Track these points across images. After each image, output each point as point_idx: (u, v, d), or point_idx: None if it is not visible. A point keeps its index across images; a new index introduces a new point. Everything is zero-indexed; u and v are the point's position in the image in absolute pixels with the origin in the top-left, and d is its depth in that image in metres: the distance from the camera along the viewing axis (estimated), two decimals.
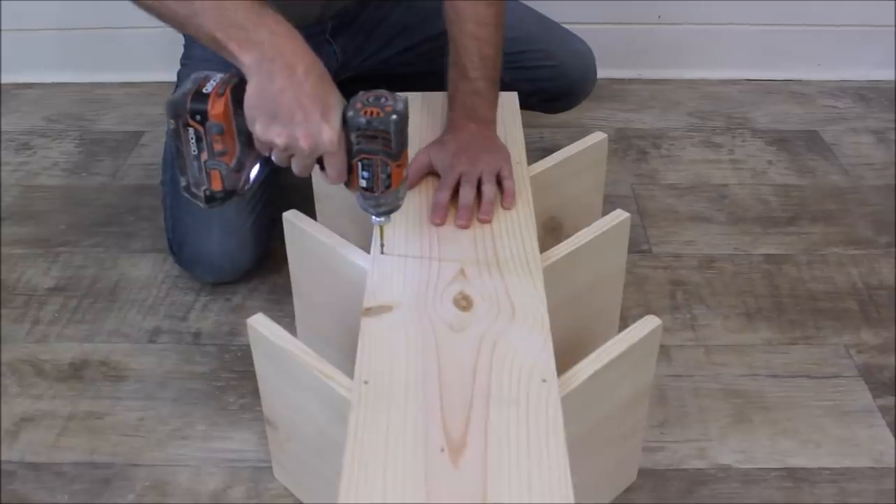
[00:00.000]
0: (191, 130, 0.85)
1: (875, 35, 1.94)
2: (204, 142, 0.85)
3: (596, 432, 0.91)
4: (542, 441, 0.72)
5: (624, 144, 1.74)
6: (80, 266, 1.42)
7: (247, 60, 0.85)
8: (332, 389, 0.81)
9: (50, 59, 1.98)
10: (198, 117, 0.84)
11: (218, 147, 0.86)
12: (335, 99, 0.86)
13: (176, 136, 0.86)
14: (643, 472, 1.06)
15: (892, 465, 1.07)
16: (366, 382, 0.78)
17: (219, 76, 0.85)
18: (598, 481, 0.97)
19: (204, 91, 0.84)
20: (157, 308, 1.33)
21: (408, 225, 1.00)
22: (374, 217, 0.93)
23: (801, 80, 1.97)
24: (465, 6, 1.09)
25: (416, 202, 1.04)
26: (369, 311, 0.87)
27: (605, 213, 1.07)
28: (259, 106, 0.85)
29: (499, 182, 1.05)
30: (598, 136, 1.21)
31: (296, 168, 0.89)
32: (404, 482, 0.69)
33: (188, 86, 0.85)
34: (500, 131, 1.16)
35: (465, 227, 0.99)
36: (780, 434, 1.11)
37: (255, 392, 1.00)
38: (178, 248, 1.33)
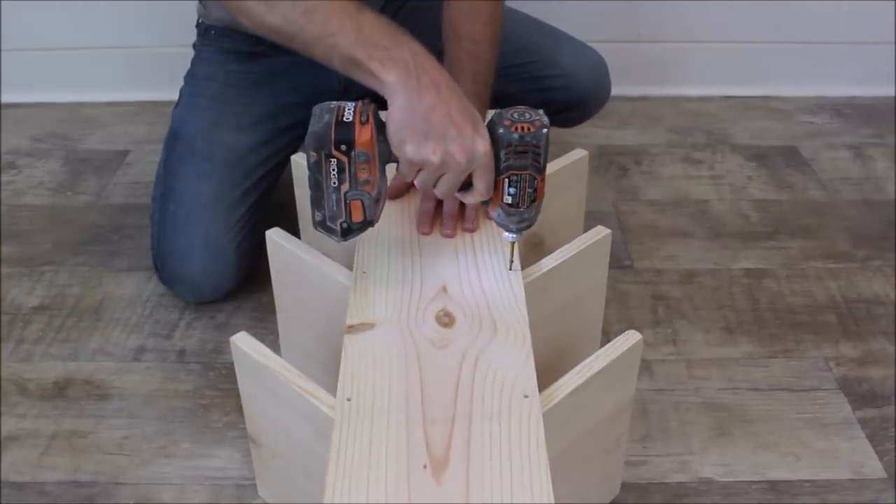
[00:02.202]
0: (333, 161, 0.84)
1: (852, 52, 1.97)
2: (347, 172, 0.84)
3: (578, 447, 0.91)
4: (524, 456, 0.73)
5: (605, 161, 1.76)
6: (64, 285, 1.42)
7: (391, 79, 0.85)
8: (315, 407, 0.82)
9: (35, 78, 1.98)
10: (343, 147, 0.83)
11: (363, 176, 0.84)
12: (479, 116, 0.87)
13: (317, 169, 0.84)
14: (626, 486, 1.06)
15: (872, 477, 1.08)
16: (348, 399, 0.79)
17: (351, 104, 0.84)
18: (582, 496, 0.98)
19: (345, 119, 0.83)
20: (142, 326, 1.33)
21: (390, 241, 1.01)
22: (511, 234, 0.92)
23: (779, 97, 2.00)
24: (462, 25, 1.10)
25: (397, 218, 1.05)
26: (352, 329, 0.88)
27: (586, 230, 1.08)
28: (409, 126, 0.84)
29: None
30: (579, 153, 1.22)
31: (443, 187, 0.87)
32: (387, 499, 0.70)
33: (325, 117, 0.83)
34: None
35: (451, 235, 1.00)
36: (761, 447, 1.12)
37: (240, 410, 1.00)
38: (161, 265, 1.33)
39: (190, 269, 1.29)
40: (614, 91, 1.98)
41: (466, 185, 0.89)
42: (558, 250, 1.03)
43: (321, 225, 0.89)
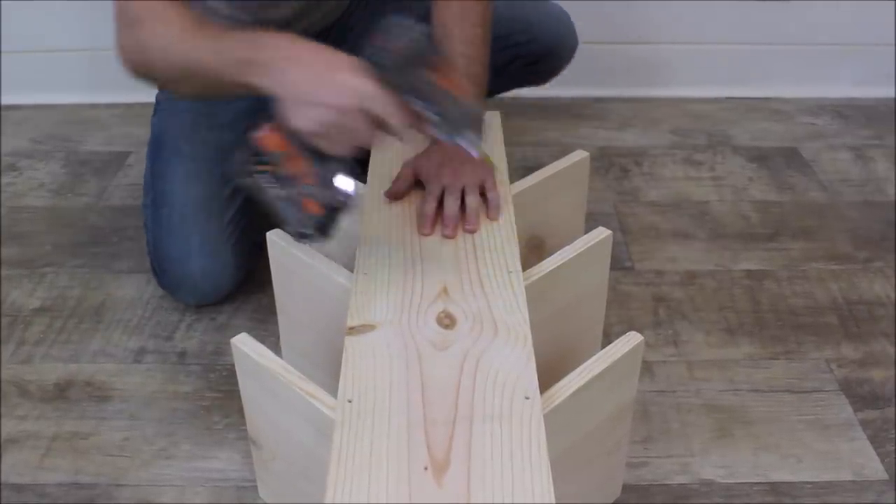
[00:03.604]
0: (263, 176, 0.86)
1: (853, 53, 1.97)
2: (280, 177, 0.86)
3: (579, 449, 0.91)
4: (525, 458, 0.73)
5: (606, 162, 1.76)
6: (65, 286, 1.42)
7: (266, 83, 0.87)
8: (316, 408, 0.82)
9: (35, 80, 1.98)
10: (262, 159, 0.86)
11: (291, 171, 0.86)
12: (344, 56, 0.86)
13: (258, 192, 0.87)
14: (627, 488, 1.06)
15: (873, 479, 1.08)
16: (349, 401, 0.79)
17: (264, 126, 0.87)
18: (583, 497, 0.98)
19: (251, 139, 0.86)
20: (143, 328, 1.33)
21: (390, 243, 1.01)
22: (470, 146, 0.86)
23: (780, 98, 2.00)
24: (453, 27, 1.11)
25: (398, 220, 1.05)
26: (353, 330, 0.88)
27: (587, 231, 1.08)
28: (291, 104, 0.85)
29: (483, 194, 1.07)
30: (579, 155, 1.22)
31: (361, 139, 0.86)
32: (388, 500, 0.69)
33: (237, 153, 0.87)
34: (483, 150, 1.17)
35: (452, 236, 1.01)
36: (762, 448, 1.12)
37: (241, 411, 1.00)
38: (161, 272, 1.33)
39: (190, 271, 1.29)
40: (616, 92, 2.00)
41: (387, 130, 0.86)
42: (559, 252, 1.03)
43: (299, 237, 0.90)
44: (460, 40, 1.11)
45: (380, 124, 0.85)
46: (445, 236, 1.01)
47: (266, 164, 0.85)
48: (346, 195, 0.88)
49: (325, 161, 0.87)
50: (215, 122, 1.33)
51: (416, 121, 0.85)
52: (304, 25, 1.28)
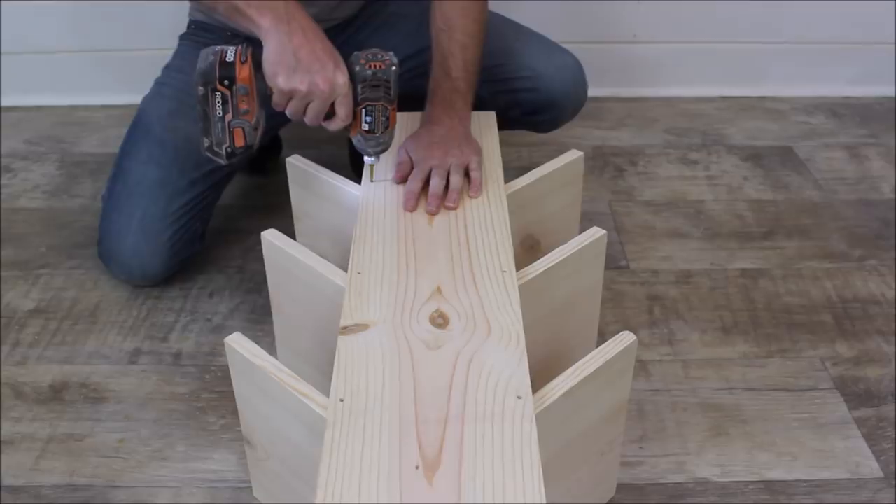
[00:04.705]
0: (218, 95, 0.99)
1: (847, 53, 1.98)
2: (230, 104, 0.99)
3: (573, 448, 0.91)
4: (516, 458, 0.73)
5: (601, 162, 1.76)
6: (60, 288, 1.42)
7: (265, 23, 1.01)
8: (309, 408, 0.82)
9: (31, 81, 1.98)
10: (226, 82, 0.98)
11: (244, 107, 1.00)
12: (339, 55, 1.03)
13: (204, 102, 0.99)
14: (622, 487, 1.06)
15: (868, 477, 1.08)
16: (341, 400, 0.79)
17: (233, 48, 0.99)
18: (576, 497, 0.98)
19: (227, 60, 0.98)
20: (138, 329, 1.33)
21: (385, 243, 1.01)
22: (370, 158, 1.09)
23: (775, 97, 2.00)
24: (456, 20, 1.19)
25: (392, 221, 1.05)
26: (346, 330, 0.88)
27: (582, 230, 1.08)
28: (280, 61, 1.00)
29: (468, 174, 1.11)
30: (574, 154, 1.22)
31: (311, 115, 1.03)
32: (379, 499, 0.69)
33: (210, 58, 0.98)
34: None
35: (434, 213, 1.06)
36: (758, 447, 1.12)
37: (236, 412, 1.00)
38: (100, 242, 1.38)
39: (122, 247, 1.34)
40: (611, 91, 2.00)
41: (330, 116, 1.04)
42: (554, 251, 1.03)
43: (209, 150, 1.04)
44: (462, 32, 1.19)
45: (329, 114, 1.04)
46: (429, 212, 1.06)
47: (228, 88, 0.98)
48: (261, 138, 1.05)
49: (262, 110, 1.03)
50: (193, 115, 1.34)
51: (353, 125, 1.06)
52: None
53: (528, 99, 1.38)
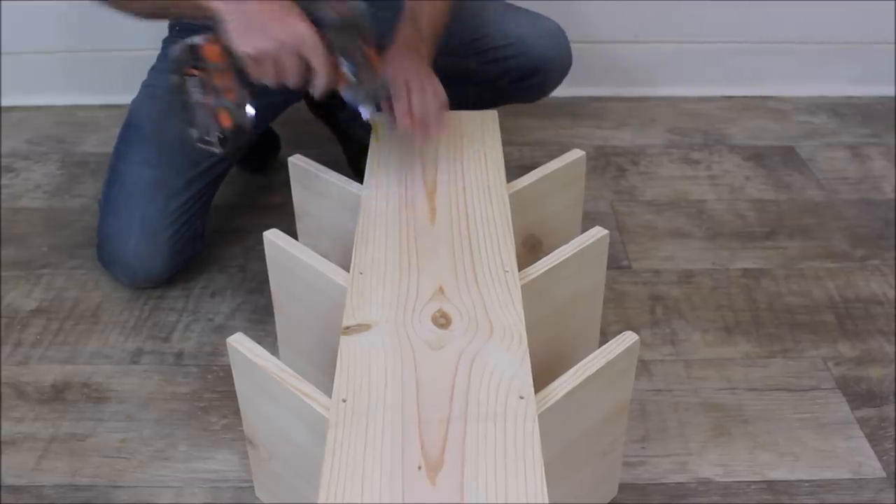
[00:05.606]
0: (193, 80, 0.97)
1: (849, 52, 1.97)
2: (206, 86, 0.97)
3: (575, 448, 0.91)
4: (519, 458, 0.73)
5: (602, 161, 1.76)
6: (62, 288, 1.42)
7: (218, 5, 0.98)
8: (311, 408, 0.82)
9: (32, 81, 1.98)
10: (197, 63, 0.97)
11: (220, 83, 0.98)
12: (296, 5, 0.99)
13: (180, 90, 0.98)
14: (624, 487, 1.06)
15: (870, 477, 1.08)
16: (344, 401, 0.79)
17: (201, 37, 0.98)
18: (578, 497, 0.98)
19: (194, 43, 0.97)
20: (140, 329, 1.33)
21: (387, 243, 1.01)
22: (368, 112, 1.04)
23: (777, 97, 2.00)
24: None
25: (394, 220, 1.05)
26: (348, 330, 0.87)
27: (584, 230, 1.08)
28: (240, 29, 0.97)
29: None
30: (576, 154, 1.22)
31: (289, 74, 0.98)
32: (381, 500, 0.69)
33: (177, 48, 0.97)
34: (479, 149, 1.18)
35: (433, 133, 1.09)
36: (760, 447, 1.12)
37: (238, 412, 1.00)
38: (99, 247, 1.37)
39: (124, 249, 1.34)
40: (612, 91, 2.00)
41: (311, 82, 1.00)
42: (556, 251, 1.03)
43: (201, 141, 1.01)
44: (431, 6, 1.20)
45: (307, 69, 0.99)
46: (425, 134, 1.09)
47: (199, 69, 0.96)
48: (251, 120, 1.01)
49: (247, 85, 0.99)
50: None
51: (336, 78, 1.00)
52: None
53: (515, 65, 1.42)
